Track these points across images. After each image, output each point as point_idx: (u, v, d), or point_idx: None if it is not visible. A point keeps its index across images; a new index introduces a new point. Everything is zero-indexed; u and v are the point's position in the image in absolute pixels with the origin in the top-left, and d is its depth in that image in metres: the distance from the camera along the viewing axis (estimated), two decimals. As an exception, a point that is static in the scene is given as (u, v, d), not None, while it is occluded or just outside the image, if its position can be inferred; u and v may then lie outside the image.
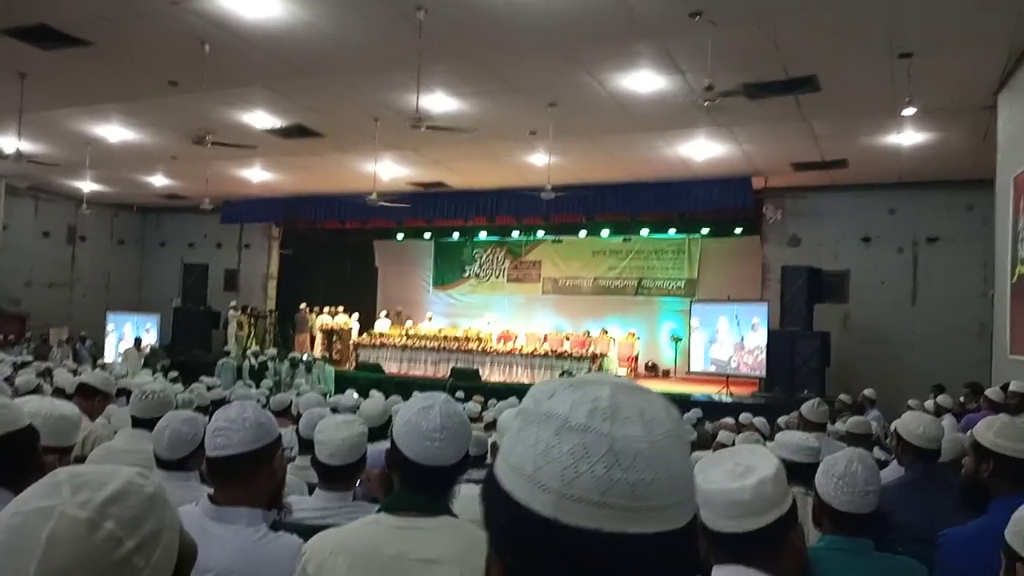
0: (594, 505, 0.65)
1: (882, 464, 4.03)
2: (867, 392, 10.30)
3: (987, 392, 6.63)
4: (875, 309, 13.88)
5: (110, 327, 18.54)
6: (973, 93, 9.02)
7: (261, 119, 11.25)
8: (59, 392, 4.82)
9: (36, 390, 5.92)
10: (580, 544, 0.65)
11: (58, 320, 18.21)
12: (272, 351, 15.74)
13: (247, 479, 1.98)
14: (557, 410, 0.69)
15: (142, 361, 15.50)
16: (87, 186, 15.74)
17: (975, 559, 2.07)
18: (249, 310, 18.12)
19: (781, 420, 7.75)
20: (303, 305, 18.18)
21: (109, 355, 17.45)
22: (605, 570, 0.66)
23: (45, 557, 0.83)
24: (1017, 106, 8.10)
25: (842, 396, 9.74)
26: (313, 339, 17.71)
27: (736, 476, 1.44)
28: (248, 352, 16.18)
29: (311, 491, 2.91)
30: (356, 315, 18.32)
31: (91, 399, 4.18)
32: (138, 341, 16.71)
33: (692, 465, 0.72)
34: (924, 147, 11.34)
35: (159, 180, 16.41)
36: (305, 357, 15.13)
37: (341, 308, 18.24)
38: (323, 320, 17.98)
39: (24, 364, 9.83)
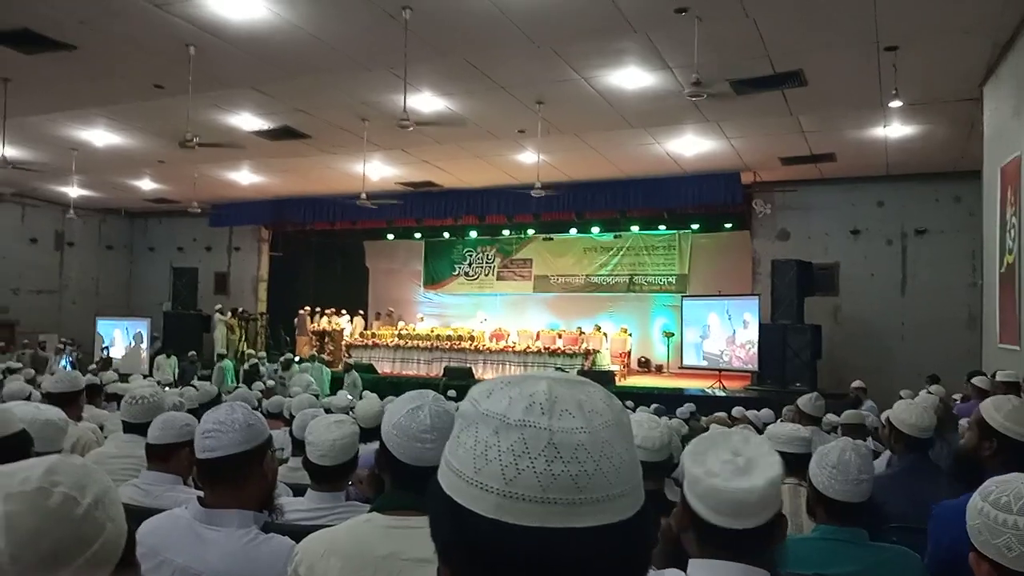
0: (537, 502, 0.64)
1: (875, 455, 4.04)
2: (857, 383, 10.32)
3: (974, 380, 6.64)
4: (865, 301, 13.94)
5: (115, 332, 18.40)
6: (959, 85, 9.05)
7: (248, 121, 11.20)
8: (49, 397, 4.77)
9: (27, 398, 5.88)
10: (526, 543, 0.63)
11: (47, 327, 18.09)
12: (262, 354, 15.71)
13: (237, 481, 1.96)
14: (495, 409, 0.68)
15: (175, 371, 15.23)
16: (74, 191, 15.64)
17: (966, 528, 2.08)
18: (239, 313, 18.04)
19: (764, 413, 7.78)
20: (305, 308, 18.11)
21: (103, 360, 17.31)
22: (553, 567, 0.64)
23: (10, 530, 0.85)
24: (1002, 97, 8.13)
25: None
26: (311, 342, 17.68)
27: (738, 471, 1.41)
28: (246, 353, 16.15)
29: (296, 494, 2.90)
30: (347, 317, 18.30)
31: (67, 404, 4.10)
32: (169, 351, 16.22)
33: (636, 455, 0.70)
34: (911, 139, 11.39)
35: (147, 184, 16.31)
36: (297, 359, 15.10)
37: (333, 310, 18.24)
38: (314, 321, 17.97)
39: (12, 371, 9.75)
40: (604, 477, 0.65)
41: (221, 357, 15.52)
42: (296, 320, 18.12)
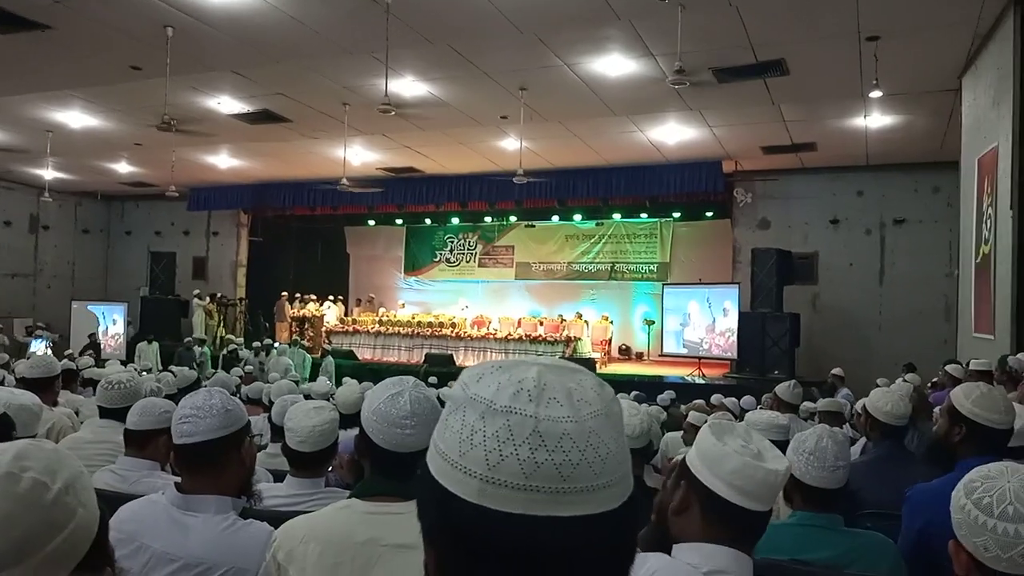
0: (520, 489, 0.64)
1: (851, 442, 4.09)
2: (836, 371, 10.44)
3: (948, 368, 6.74)
4: (843, 290, 14.08)
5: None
6: (938, 76, 9.13)
7: (227, 104, 11.06)
8: (24, 382, 4.72)
9: (1, 383, 5.81)
10: (509, 530, 0.63)
11: (22, 311, 17.86)
12: (240, 339, 15.60)
13: (215, 466, 1.95)
14: (483, 394, 0.68)
15: (157, 358, 14.74)
16: (49, 174, 15.39)
17: (938, 512, 2.14)
18: (217, 298, 17.90)
19: (745, 400, 7.84)
20: (284, 294, 18.00)
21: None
22: (536, 555, 0.64)
23: None
24: (981, 88, 8.22)
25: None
26: (291, 328, 17.57)
27: (756, 455, 1.45)
28: (225, 339, 15.99)
29: (276, 480, 2.89)
30: (329, 303, 18.21)
31: (42, 389, 4.03)
32: (150, 337, 15.66)
33: (626, 445, 0.70)
34: (891, 130, 11.48)
35: (123, 167, 16.10)
36: (276, 345, 15.02)
37: (315, 297, 18.15)
38: (294, 306, 17.85)
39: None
40: (589, 467, 0.65)
41: (202, 343, 15.40)
42: (275, 306, 18.02)
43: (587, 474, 0.65)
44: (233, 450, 1.98)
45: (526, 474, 0.64)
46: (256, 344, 14.64)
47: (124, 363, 12.76)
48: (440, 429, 0.70)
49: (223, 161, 15.14)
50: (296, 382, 8.02)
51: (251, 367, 12.14)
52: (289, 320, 17.61)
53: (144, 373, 9.31)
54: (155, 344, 15.38)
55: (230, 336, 16.85)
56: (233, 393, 5.66)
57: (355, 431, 1.92)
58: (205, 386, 6.32)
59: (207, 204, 18.11)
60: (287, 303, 17.89)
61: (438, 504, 0.67)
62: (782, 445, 2.70)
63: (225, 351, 15.24)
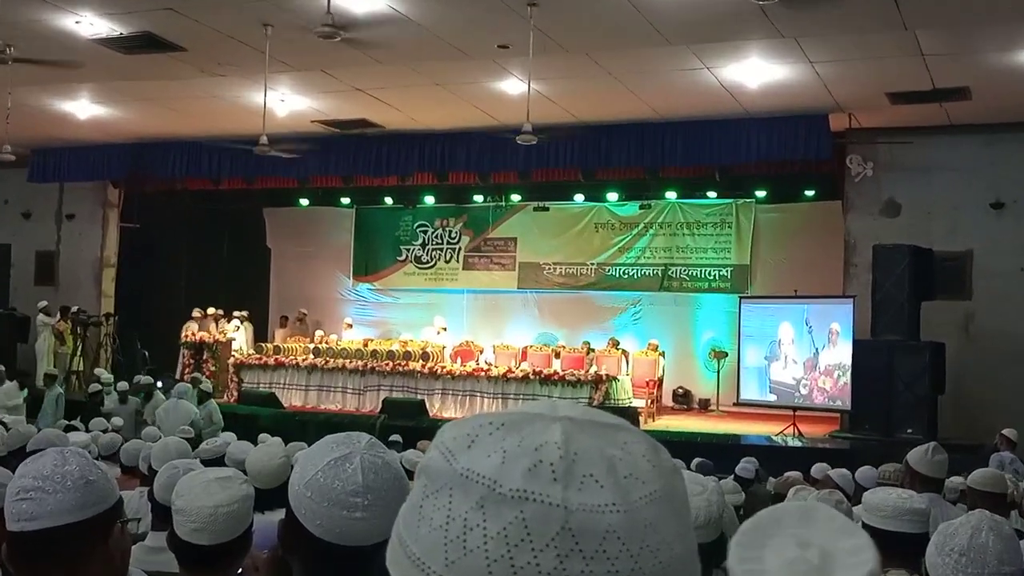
0: None
1: (1020, 535, 4.08)
2: (1006, 432, 10.43)
3: None
4: (1012, 308, 14.04)
5: None
6: None
7: (91, 24, 11.10)
8: None
9: None
10: None
11: None
12: (108, 375, 15.58)
13: (69, 565, 1.95)
14: (480, 468, 0.65)
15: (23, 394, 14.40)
16: None
17: None
18: (73, 314, 17.86)
19: (860, 474, 7.81)
20: (211, 310, 18.01)
21: None
22: None
23: None
24: None
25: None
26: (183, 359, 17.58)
27: (819, 570, 1.43)
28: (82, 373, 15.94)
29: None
30: (236, 322, 18.23)
31: None
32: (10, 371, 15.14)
33: (694, 544, 0.69)
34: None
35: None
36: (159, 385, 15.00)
37: (222, 312, 18.18)
38: (190, 328, 17.83)
39: None
40: None
41: (51, 380, 15.34)
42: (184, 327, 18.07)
43: None
44: (97, 541, 1.98)
45: None
46: (123, 386, 14.42)
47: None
48: (410, 520, 0.69)
49: (83, 108, 15.19)
50: (190, 440, 8.01)
51: (120, 419, 12.08)
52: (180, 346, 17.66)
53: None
54: (13, 383, 14.79)
55: (99, 370, 16.70)
56: (96, 457, 5.66)
57: (278, 514, 1.92)
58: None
59: (58, 173, 18.20)
60: (192, 322, 17.87)
61: None
62: (919, 539, 2.69)
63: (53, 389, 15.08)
